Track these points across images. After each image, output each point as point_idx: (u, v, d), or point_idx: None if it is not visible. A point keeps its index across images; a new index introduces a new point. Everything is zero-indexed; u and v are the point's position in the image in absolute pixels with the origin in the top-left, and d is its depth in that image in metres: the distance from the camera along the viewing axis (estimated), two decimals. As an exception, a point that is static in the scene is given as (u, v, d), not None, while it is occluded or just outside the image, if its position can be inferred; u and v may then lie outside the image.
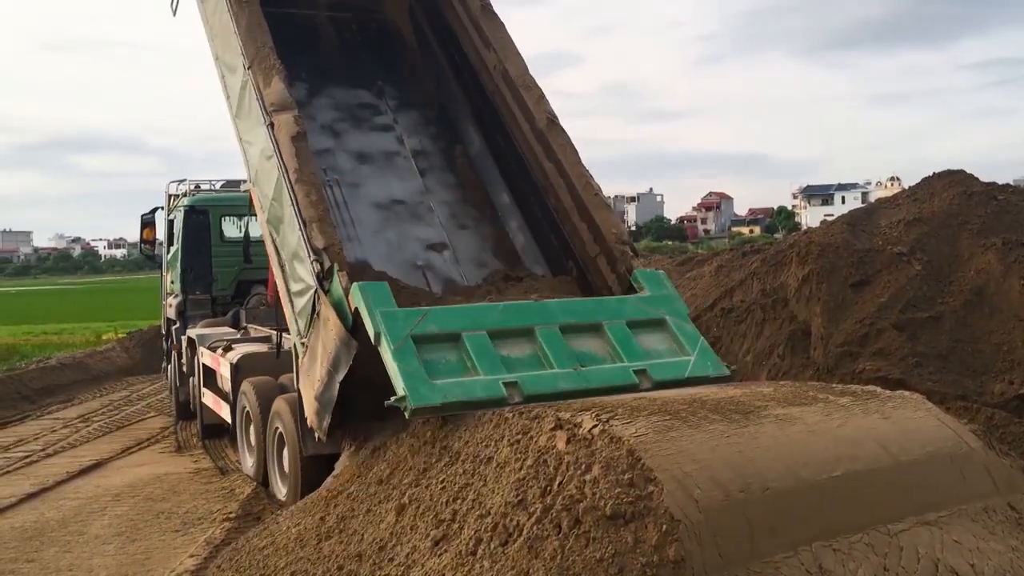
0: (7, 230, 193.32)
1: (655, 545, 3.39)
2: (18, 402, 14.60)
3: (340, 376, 5.91)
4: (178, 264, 12.62)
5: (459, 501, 4.23)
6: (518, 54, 8.04)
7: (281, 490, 7.94)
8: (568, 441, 3.94)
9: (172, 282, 13.11)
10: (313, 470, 6.99)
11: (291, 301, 6.91)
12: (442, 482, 4.50)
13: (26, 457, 10.48)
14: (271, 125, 6.96)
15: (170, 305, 13.21)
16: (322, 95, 8.83)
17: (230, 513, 7.61)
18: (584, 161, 7.60)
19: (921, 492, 4.12)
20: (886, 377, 8.07)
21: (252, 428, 8.81)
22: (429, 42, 9.24)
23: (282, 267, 7.07)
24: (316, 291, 6.29)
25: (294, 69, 8.35)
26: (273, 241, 7.20)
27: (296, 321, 6.79)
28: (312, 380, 6.40)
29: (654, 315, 6.46)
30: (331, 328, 6.03)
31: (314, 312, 6.36)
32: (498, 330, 5.96)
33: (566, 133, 7.63)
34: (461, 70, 8.83)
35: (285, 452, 7.74)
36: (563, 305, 6.44)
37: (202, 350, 10.56)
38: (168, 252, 13.69)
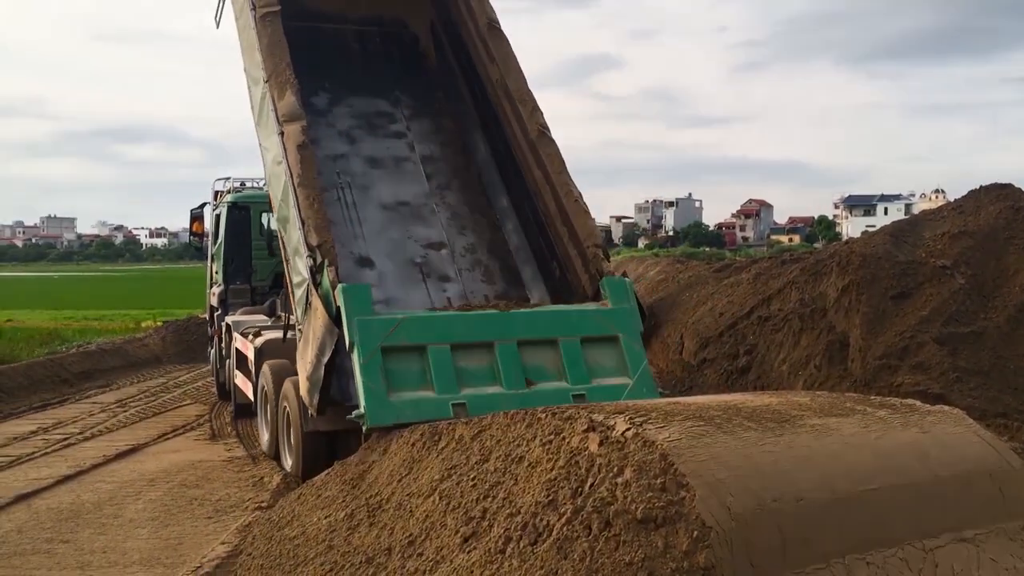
0: (52, 216, 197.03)
1: (685, 551, 3.36)
2: (58, 385, 14.85)
3: (325, 358, 6.70)
4: (221, 256, 13.36)
5: (489, 499, 4.23)
6: (519, 68, 8.65)
7: (288, 463, 8.58)
8: (601, 443, 3.92)
9: (216, 272, 13.81)
10: (312, 445, 7.81)
11: (292, 292, 7.74)
12: (473, 479, 4.50)
13: (64, 440, 10.65)
14: (281, 134, 7.63)
15: (214, 294, 13.93)
16: (342, 104, 9.57)
17: (262, 502, 7.67)
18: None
19: (958, 508, 4.05)
20: (925, 391, 7.95)
21: (268, 406, 9.42)
22: (446, 55, 9.85)
23: (287, 261, 7.88)
24: (309, 283, 7.04)
25: (318, 79, 9.45)
26: (281, 238, 8.02)
27: (295, 309, 7.61)
28: (305, 362, 7.18)
29: (608, 332, 7.24)
30: (319, 316, 6.80)
31: (307, 302, 7.10)
32: (461, 343, 6.82)
33: (555, 144, 8.25)
34: (472, 82, 9.41)
35: (291, 429, 8.36)
36: (526, 318, 7.22)
37: (236, 335, 11.28)
38: (213, 244, 14.32)
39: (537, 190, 8.44)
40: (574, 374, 7.00)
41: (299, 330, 7.48)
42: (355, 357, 6.58)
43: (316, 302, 6.87)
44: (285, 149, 7.58)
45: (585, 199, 8.19)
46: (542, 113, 8.45)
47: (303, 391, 7.31)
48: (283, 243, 8.00)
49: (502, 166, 9.11)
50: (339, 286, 6.68)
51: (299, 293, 7.45)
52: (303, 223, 7.15)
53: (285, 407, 8.48)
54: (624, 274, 8.42)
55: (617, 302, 7.37)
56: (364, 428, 6.44)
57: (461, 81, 9.64)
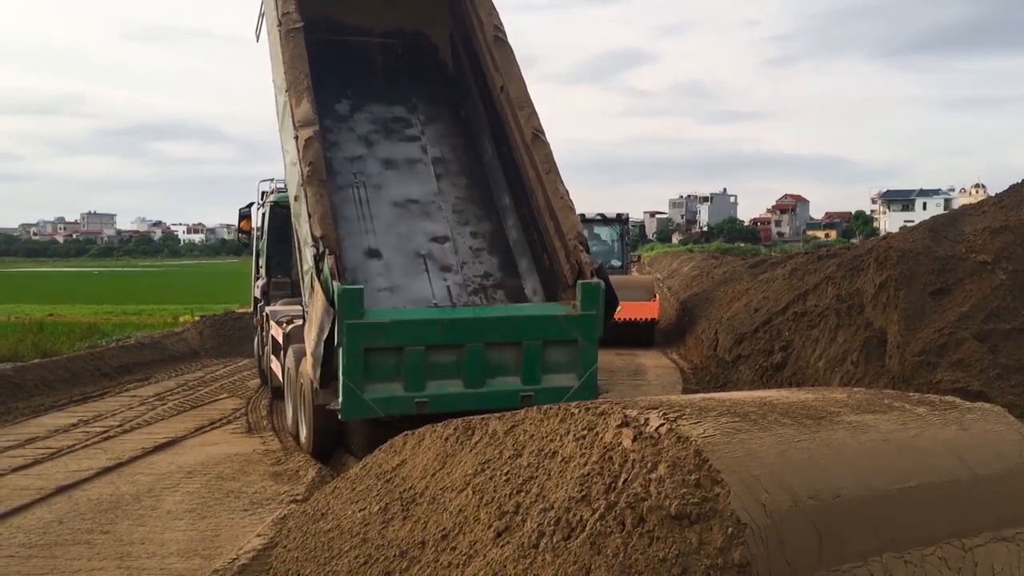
0: (92, 212, 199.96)
1: (720, 548, 3.34)
2: (98, 379, 15.08)
3: (325, 335, 7.65)
4: (264, 251, 14.09)
5: (523, 494, 4.23)
6: (519, 76, 9.37)
7: (302, 436, 9.58)
8: (635, 439, 3.90)
9: (260, 267, 14.55)
10: (321, 419, 8.72)
11: (302, 278, 8.71)
12: (506, 474, 4.50)
13: (104, 432, 10.82)
14: (296, 138, 8.45)
15: (257, 286, 14.70)
16: (363, 110, 10.39)
17: (297, 495, 7.75)
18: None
19: (999, 507, 3.98)
20: (965, 389, 7.84)
21: (291, 387, 10.16)
22: (462, 64, 10.57)
23: (299, 251, 8.77)
24: (312, 270, 7.94)
25: (342, 88, 10.37)
26: (296, 230, 8.82)
27: (304, 293, 8.59)
28: (309, 339, 8.21)
29: (569, 336, 8.17)
30: (319, 299, 7.74)
31: (311, 287, 8.02)
32: (436, 345, 7.90)
33: (547, 146, 8.99)
34: (482, 88, 10.09)
35: (305, 404, 9.29)
36: (499, 323, 8.16)
37: (272, 324, 12.02)
38: (258, 241, 15.02)
39: (532, 188, 9.15)
40: (527, 374, 8.09)
41: (305, 312, 8.50)
42: (340, 355, 7.62)
43: (317, 286, 7.77)
44: (298, 151, 8.34)
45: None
46: (538, 117, 9.14)
47: (308, 366, 8.27)
48: (296, 235, 8.84)
49: (506, 167, 9.75)
50: (336, 287, 7.51)
51: (306, 279, 8.37)
52: (310, 216, 7.96)
53: (301, 384, 9.27)
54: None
55: (586, 308, 8.14)
56: (340, 417, 7.96)
57: (473, 88, 10.30)
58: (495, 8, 9.79)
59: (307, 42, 9.28)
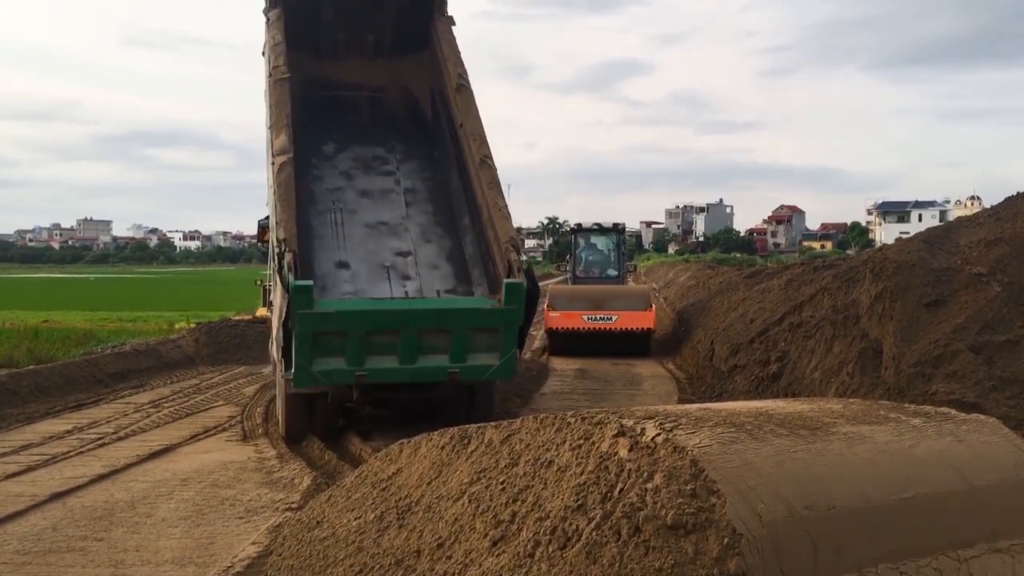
0: (88, 219, 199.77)
1: (716, 558, 3.34)
2: (93, 385, 15.04)
3: (282, 321, 9.09)
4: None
5: (518, 503, 4.23)
6: (476, 115, 11.00)
7: (279, 419, 11.13)
8: (631, 448, 3.91)
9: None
10: (294, 404, 10.41)
11: (272, 278, 10.41)
12: (502, 483, 4.50)
13: (98, 439, 10.80)
14: (272, 164, 10.19)
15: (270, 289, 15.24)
16: (347, 151, 12.13)
17: (292, 503, 7.73)
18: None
19: (994, 519, 3.99)
20: (960, 400, 7.85)
21: (277, 374, 11.29)
22: (438, 113, 12.17)
23: (273, 256, 10.20)
24: (276, 266, 9.32)
25: (329, 132, 12.22)
26: (272, 239, 10.22)
27: (273, 289, 10.07)
28: (274, 326, 9.84)
29: (493, 325, 9.53)
30: (279, 292, 9.24)
31: (276, 282, 9.54)
32: (376, 330, 9.30)
33: (493, 169, 10.54)
34: (451, 130, 11.60)
35: (279, 388, 10.88)
36: (433, 314, 9.53)
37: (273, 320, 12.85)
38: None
39: (480, 204, 10.62)
40: (455, 354, 9.49)
41: (271, 302, 10.27)
42: (293, 338, 9.06)
43: (278, 280, 9.24)
44: (273, 174, 10.02)
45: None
46: (488, 146, 10.73)
47: (273, 349, 10.00)
48: (272, 242, 10.41)
49: (467, 192, 11.23)
50: (289, 283, 8.82)
51: (276, 278, 9.74)
52: (277, 225, 9.54)
53: (279, 370, 10.45)
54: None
55: (509, 303, 9.41)
56: (292, 389, 9.83)
57: (445, 129, 11.88)
58: (461, 61, 11.70)
59: (303, 96, 11.43)
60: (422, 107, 12.72)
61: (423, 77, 12.63)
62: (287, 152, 10.10)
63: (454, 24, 12.18)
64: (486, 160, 10.60)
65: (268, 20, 11.88)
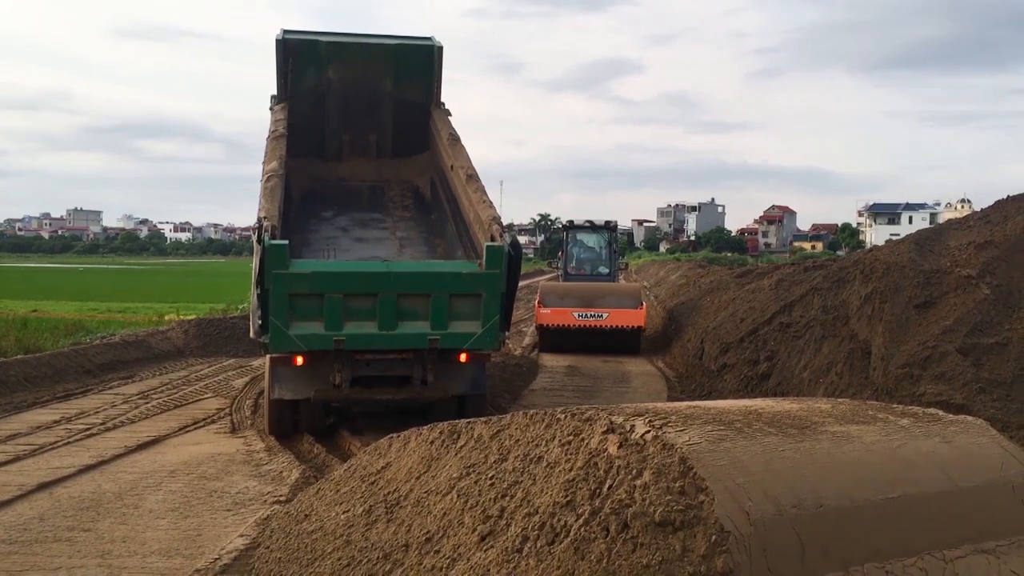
0: (78, 209, 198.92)
1: (703, 555, 3.36)
2: (81, 376, 14.98)
3: (257, 291, 9.15)
4: None
5: (507, 498, 4.24)
6: (466, 156, 11.59)
7: (264, 421, 10.94)
8: (620, 445, 3.92)
9: None
10: (279, 408, 10.22)
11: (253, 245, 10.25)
12: (491, 478, 4.51)
13: (87, 430, 10.76)
14: (262, 180, 10.51)
15: None
16: (345, 215, 12.64)
17: (280, 496, 7.73)
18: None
19: (980, 519, 4.02)
20: (948, 402, 7.89)
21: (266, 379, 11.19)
22: (438, 192, 12.65)
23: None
24: (254, 240, 9.35)
25: (329, 203, 12.79)
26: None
27: (255, 264, 9.83)
28: (251, 295, 9.80)
29: (474, 290, 9.43)
30: (256, 256, 9.21)
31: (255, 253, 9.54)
32: (353, 293, 9.25)
33: (478, 182, 10.95)
34: (447, 191, 12.09)
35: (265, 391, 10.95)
36: (409, 277, 9.49)
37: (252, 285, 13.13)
38: None
39: (466, 207, 11.04)
40: (435, 321, 9.39)
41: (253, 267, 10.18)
42: (269, 300, 9.00)
43: (257, 247, 9.19)
44: (262, 185, 10.32)
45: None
46: (473, 167, 11.30)
47: (251, 319, 9.90)
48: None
49: (461, 238, 11.48)
50: (266, 241, 8.85)
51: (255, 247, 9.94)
52: (259, 208, 9.67)
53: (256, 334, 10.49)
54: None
55: (490, 267, 9.34)
56: (265, 351, 9.68)
57: (444, 202, 12.35)
58: (449, 121, 12.62)
59: (307, 188, 12.67)
60: (421, 192, 13.24)
61: (425, 171, 13.18)
62: (277, 172, 10.55)
63: (450, 115, 12.83)
64: (471, 175, 11.06)
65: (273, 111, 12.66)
